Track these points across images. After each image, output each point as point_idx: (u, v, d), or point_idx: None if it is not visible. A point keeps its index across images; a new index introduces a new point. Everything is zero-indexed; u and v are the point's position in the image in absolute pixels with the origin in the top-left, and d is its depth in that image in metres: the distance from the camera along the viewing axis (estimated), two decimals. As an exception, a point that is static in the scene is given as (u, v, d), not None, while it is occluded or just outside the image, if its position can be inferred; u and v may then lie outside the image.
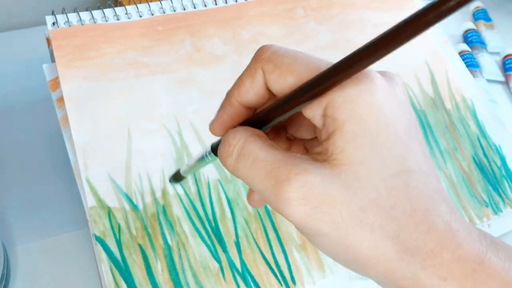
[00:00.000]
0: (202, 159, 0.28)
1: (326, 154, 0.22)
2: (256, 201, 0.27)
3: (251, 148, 0.23)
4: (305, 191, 0.21)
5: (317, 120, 0.22)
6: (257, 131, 0.24)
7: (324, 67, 0.22)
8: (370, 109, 0.21)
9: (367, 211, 0.21)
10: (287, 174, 0.21)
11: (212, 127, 0.26)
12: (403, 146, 0.22)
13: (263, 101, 0.25)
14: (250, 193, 0.27)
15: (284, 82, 0.23)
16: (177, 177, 0.31)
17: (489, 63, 0.57)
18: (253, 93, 0.24)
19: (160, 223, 0.36)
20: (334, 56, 0.47)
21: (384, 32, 0.19)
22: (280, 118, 0.23)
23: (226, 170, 0.39)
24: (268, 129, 0.25)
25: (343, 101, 0.21)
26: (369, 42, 0.20)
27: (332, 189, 0.21)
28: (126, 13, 0.43)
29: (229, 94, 0.26)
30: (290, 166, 0.22)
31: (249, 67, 0.24)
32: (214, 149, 0.27)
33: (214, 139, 0.43)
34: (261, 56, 0.24)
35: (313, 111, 0.22)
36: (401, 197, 0.21)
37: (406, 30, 0.18)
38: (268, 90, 0.24)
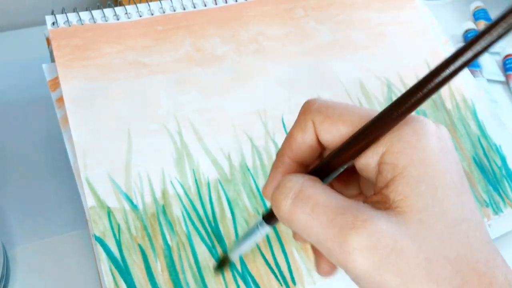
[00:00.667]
0: (253, 234, 0.25)
1: (388, 202, 0.21)
2: (326, 269, 0.25)
3: (311, 191, 0.21)
4: (374, 240, 0.19)
5: (371, 169, 0.22)
6: (314, 177, 0.23)
7: (374, 114, 0.21)
8: (429, 155, 0.21)
9: (434, 262, 0.20)
10: (353, 221, 0.20)
11: (266, 190, 0.25)
12: (460, 194, 0.21)
13: (315, 156, 0.24)
14: (319, 259, 0.25)
15: (337, 132, 0.22)
16: (224, 263, 0.29)
17: (489, 63, 0.57)
18: (305, 147, 0.23)
19: (160, 223, 0.36)
20: (335, 56, 0.47)
21: (431, 70, 0.19)
22: (338, 170, 0.22)
23: (226, 170, 0.39)
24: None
25: (403, 147, 0.21)
26: (418, 82, 0.20)
27: (400, 239, 0.20)
28: (126, 13, 0.43)
29: (280, 153, 0.24)
30: (356, 213, 0.20)
31: (298, 121, 0.24)
32: (267, 218, 0.25)
33: (214, 138, 0.43)
34: (310, 108, 0.23)
35: (367, 159, 0.22)
36: (463, 247, 0.20)
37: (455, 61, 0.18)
38: (319, 143, 0.23)
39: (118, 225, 0.36)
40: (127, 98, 0.40)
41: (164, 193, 0.37)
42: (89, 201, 0.36)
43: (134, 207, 0.36)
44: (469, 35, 0.59)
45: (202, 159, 0.39)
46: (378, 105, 0.44)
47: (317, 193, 0.21)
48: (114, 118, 0.39)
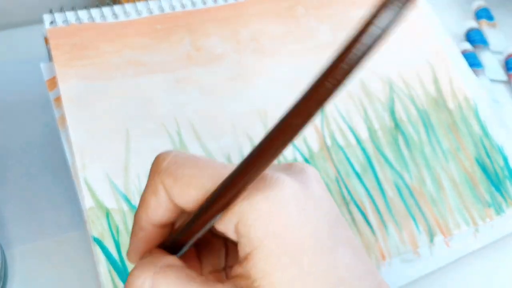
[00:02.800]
0: None
1: (249, 279, 0.19)
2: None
3: (162, 287, 0.20)
4: None
5: (231, 235, 0.20)
6: (170, 260, 0.21)
7: (227, 173, 0.19)
8: (286, 223, 0.19)
9: None
10: None
11: (128, 256, 0.23)
12: (330, 254, 0.19)
13: (175, 215, 0.22)
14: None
15: (188, 196, 0.20)
16: None
17: (492, 62, 0.56)
18: (161, 211, 0.21)
19: (159, 224, 0.36)
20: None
21: (274, 126, 0.17)
22: (194, 237, 0.21)
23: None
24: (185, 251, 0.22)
25: (255, 217, 0.19)
26: (262, 140, 0.18)
27: None
28: (125, 12, 0.42)
29: (137, 218, 0.22)
30: None
31: (149, 184, 0.21)
32: None
33: (213, 138, 0.43)
34: (158, 168, 0.21)
35: (225, 226, 0.20)
36: None
37: (296, 123, 0.17)
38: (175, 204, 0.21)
39: (117, 226, 0.35)
40: (126, 97, 0.39)
41: (163, 193, 0.37)
42: (87, 202, 0.35)
43: (133, 208, 0.36)
44: (471, 34, 0.59)
45: (201, 160, 0.39)
46: (380, 105, 0.44)
47: (170, 286, 0.20)
48: (112, 117, 0.38)
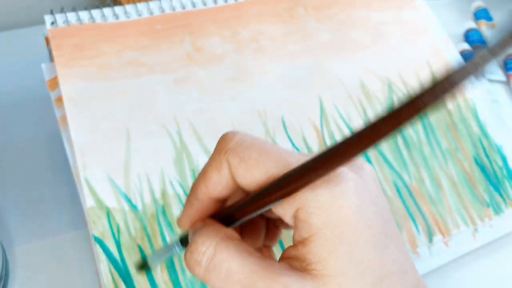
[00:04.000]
0: (170, 251, 0.26)
1: (304, 262, 0.20)
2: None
3: (223, 257, 0.21)
4: None
5: (287, 219, 0.21)
6: (228, 232, 0.22)
7: (294, 163, 0.20)
8: (345, 215, 0.20)
9: None
10: None
11: (179, 222, 0.24)
12: (381, 249, 0.21)
13: (232, 193, 0.23)
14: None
15: (252, 178, 0.21)
16: (143, 266, 0.29)
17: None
18: (221, 187, 0.22)
19: (159, 224, 0.36)
20: (335, 55, 0.47)
21: (358, 130, 0.18)
22: (250, 216, 0.22)
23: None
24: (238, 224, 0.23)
25: (317, 206, 0.20)
26: (342, 140, 0.19)
27: None
28: (125, 13, 0.42)
29: (195, 188, 0.23)
30: (269, 282, 0.20)
31: (213, 159, 0.22)
32: (183, 241, 0.25)
33: (214, 138, 0.43)
34: (225, 147, 0.22)
35: (284, 210, 0.21)
36: None
37: (382, 127, 0.17)
38: (235, 182, 0.22)
39: (118, 226, 0.35)
40: (126, 97, 0.39)
41: (163, 193, 0.37)
42: (88, 202, 0.36)
43: (133, 207, 0.36)
44: (470, 35, 0.59)
45: (201, 159, 0.39)
46: (379, 105, 0.44)
47: (231, 257, 0.21)
48: (113, 118, 0.38)
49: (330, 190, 0.20)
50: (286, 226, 0.26)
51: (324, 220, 0.20)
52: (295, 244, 0.21)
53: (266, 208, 0.21)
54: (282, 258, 0.22)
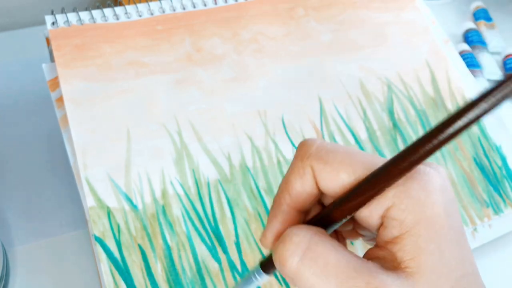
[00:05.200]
0: (249, 283, 0.24)
1: (395, 261, 0.20)
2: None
3: (320, 249, 0.20)
4: None
5: (373, 220, 0.21)
6: (320, 229, 0.21)
7: (379, 162, 0.20)
8: (437, 213, 0.20)
9: None
10: (365, 287, 0.19)
11: (264, 239, 0.23)
12: (461, 248, 0.21)
13: (314, 201, 0.23)
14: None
15: (338, 181, 0.21)
16: None
17: (490, 63, 0.57)
18: (305, 195, 0.22)
19: (159, 223, 0.36)
20: (335, 56, 0.47)
21: (444, 119, 0.19)
22: (340, 221, 0.21)
23: (226, 170, 0.39)
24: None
25: (411, 203, 0.20)
26: (429, 132, 0.19)
27: None
28: (126, 13, 0.43)
29: (278, 199, 0.23)
30: (368, 278, 0.19)
31: (295, 166, 0.22)
32: (264, 266, 0.23)
33: (214, 138, 0.43)
34: (307, 152, 0.22)
35: (370, 211, 0.21)
36: None
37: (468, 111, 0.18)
38: (319, 189, 0.22)
39: (118, 225, 0.35)
40: (127, 98, 0.40)
41: (164, 193, 0.37)
42: (88, 201, 0.36)
43: (133, 207, 0.36)
44: (469, 35, 0.59)
45: (202, 159, 0.39)
46: (379, 105, 0.44)
47: (327, 251, 0.20)
48: (113, 118, 0.39)
49: (422, 187, 0.20)
50: (355, 235, 0.25)
51: (416, 217, 0.20)
52: (382, 245, 0.21)
53: (354, 212, 0.21)
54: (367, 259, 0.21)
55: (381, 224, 0.21)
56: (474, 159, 0.44)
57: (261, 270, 0.23)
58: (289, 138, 0.41)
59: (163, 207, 0.37)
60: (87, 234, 0.40)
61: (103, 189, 0.36)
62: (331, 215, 0.21)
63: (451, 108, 0.46)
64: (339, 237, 0.25)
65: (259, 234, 0.37)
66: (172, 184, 0.38)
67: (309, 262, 0.20)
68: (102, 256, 0.34)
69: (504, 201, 0.43)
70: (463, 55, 0.56)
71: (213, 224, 0.37)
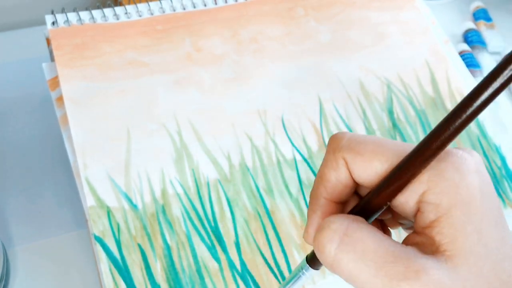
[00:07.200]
0: (297, 278, 0.24)
1: (434, 245, 0.20)
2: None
3: (358, 235, 0.20)
4: None
5: (409, 206, 0.21)
6: (358, 217, 0.21)
7: (410, 148, 0.20)
8: (472, 194, 0.20)
9: None
10: (404, 271, 0.19)
11: (306, 235, 0.23)
12: (501, 229, 0.21)
13: (350, 193, 0.23)
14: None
15: (372, 170, 0.21)
16: None
17: (489, 63, 0.57)
18: (340, 186, 0.22)
19: (159, 223, 0.36)
20: (335, 56, 0.47)
21: (468, 94, 0.19)
22: (380, 210, 0.21)
23: (226, 170, 0.39)
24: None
25: (446, 185, 0.20)
26: (455, 108, 0.19)
27: (453, 287, 0.19)
28: (126, 13, 0.43)
29: (315, 194, 0.23)
30: (407, 262, 0.19)
31: (328, 160, 0.22)
32: (310, 260, 0.23)
33: (214, 138, 0.43)
34: (338, 145, 0.22)
35: (405, 197, 0.21)
36: (507, 286, 0.20)
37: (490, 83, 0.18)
38: (353, 180, 0.22)
39: (118, 225, 0.36)
40: (127, 97, 0.40)
41: (163, 192, 0.37)
42: (88, 201, 0.36)
43: (133, 206, 0.36)
44: (469, 35, 0.59)
45: (201, 159, 0.39)
46: (378, 105, 0.44)
47: (365, 237, 0.20)
48: (113, 117, 0.39)
49: (456, 169, 0.20)
50: (394, 224, 0.25)
51: (452, 199, 0.20)
52: (420, 231, 0.21)
53: (392, 199, 0.21)
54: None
55: (418, 210, 0.21)
56: (474, 159, 0.44)
57: (307, 265, 0.23)
58: (288, 138, 0.41)
59: (162, 206, 0.37)
60: (87, 234, 0.40)
61: (103, 189, 0.36)
62: (369, 205, 0.22)
63: (450, 108, 0.46)
64: (384, 228, 0.25)
65: (259, 234, 0.37)
66: (172, 184, 0.38)
67: (347, 248, 0.20)
68: (102, 255, 0.34)
69: (503, 201, 0.43)
70: (463, 55, 0.56)
71: (212, 223, 0.37)
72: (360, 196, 0.24)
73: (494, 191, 0.21)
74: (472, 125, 0.46)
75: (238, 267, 0.36)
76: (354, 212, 0.22)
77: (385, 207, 0.21)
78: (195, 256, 0.36)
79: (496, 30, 0.60)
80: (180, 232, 0.36)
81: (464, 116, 0.19)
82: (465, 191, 0.20)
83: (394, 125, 0.44)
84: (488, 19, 0.61)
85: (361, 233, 0.20)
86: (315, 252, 0.21)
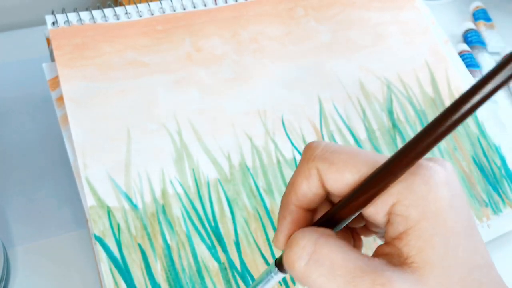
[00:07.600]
0: (266, 281, 0.24)
1: (402, 256, 0.20)
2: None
3: (326, 250, 0.21)
4: None
5: (380, 218, 0.21)
6: (327, 230, 0.22)
7: (382, 160, 0.21)
8: (441, 206, 0.20)
9: None
10: (371, 285, 0.19)
11: (276, 241, 0.24)
12: (471, 240, 0.21)
13: (321, 200, 0.23)
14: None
15: (343, 180, 0.21)
16: None
17: (489, 63, 0.57)
18: (311, 195, 0.23)
19: (159, 223, 0.36)
20: (335, 56, 0.47)
21: (438, 116, 0.19)
22: (347, 219, 0.22)
23: (226, 170, 0.39)
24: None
25: (415, 198, 0.20)
26: (428, 125, 0.19)
27: None
28: (126, 13, 0.43)
29: (286, 201, 0.23)
30: (374, 276, 0.20)
31: (301, 168, 0.23)
32: (279, 264, 0.24)
33: (214, 138, 0.43)
34: (312, 154, 0.22)
35: (376, 208, 0.21)
36: None
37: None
38: (325, 189, 0.22)
39: (118, 225, 0.36)
40: (127, 97, 0.40)
41: (163, 192, 0.37)
42: (89, 201, 0.36)
43: (133, 206, 0.36)
44: (469, 35, 0.59)
45: (201, 159, 0.39)
46: (378, 105, 0.44)
47: (333, 252, 0.20)
48: (114, 117, 0.39)
49: (425, 182, 0.20)
50: (368, 232, 0.25)
51: (422, 211, 0.20)
52: (389, 241, 0.21)
53: (360, 210, 0.21)
54: (375, 257, 0.22)
55: (388, 221, 0.21)
56: (473, 159, 0.44)
57: (277, 269, 0.24)
58: (288, 138, 0.41)
59: (163, 206, 0.37)
60: (87, 234, 0.40)
61: (103, 189, 0.36)
62: (338, 214, 0.22)
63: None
64: (356, 236, 0.25)
65: (259, 234, 0.37)
66: (172, 184, 0.38)
67: (315, 264, 0.20)
68: (102, 255, 0.35)
69: (503, 201, 0.43)
70: (463, 55, 0.56)
71: (212, 223, 0.37)
72: (332, 203, 0.24)
73: (466, 202, 0.22)
74: (472, 125, 0.46)
75: (238, 267, 0.36)
76: (323, 221, 0.23)
77: (353, 217, 0.22)
78: (195, 256, 0.36)
79: (496, 30, 0.61)
80: (180, 232, 0.36)
81: (435, 134, 0.19)
82: (433, 203, 0.20)
83: (394, 125, 0.44)
84: (487, 19, 0.61)
85: (329, 249, 0.21)
86: (285, 265, 0.22)
